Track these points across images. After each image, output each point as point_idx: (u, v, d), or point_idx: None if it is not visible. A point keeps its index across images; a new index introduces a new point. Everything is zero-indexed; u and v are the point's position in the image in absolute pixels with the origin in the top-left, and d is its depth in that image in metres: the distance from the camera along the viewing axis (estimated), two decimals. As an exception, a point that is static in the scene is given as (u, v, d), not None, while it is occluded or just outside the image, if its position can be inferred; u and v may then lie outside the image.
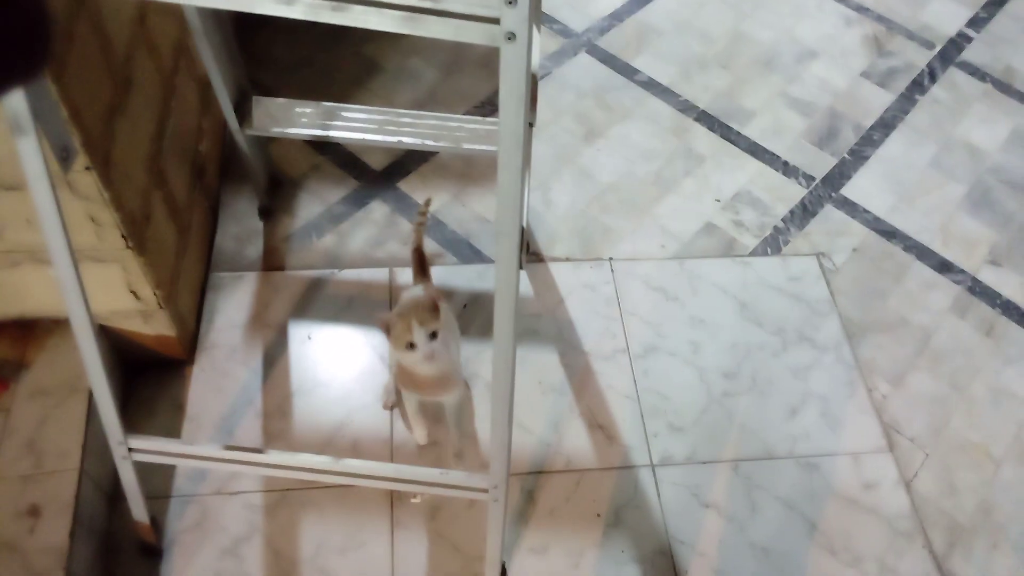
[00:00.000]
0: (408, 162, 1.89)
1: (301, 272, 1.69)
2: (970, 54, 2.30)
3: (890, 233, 1.88)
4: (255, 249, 1.71)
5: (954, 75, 2.24)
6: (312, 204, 1.80)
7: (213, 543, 1.36)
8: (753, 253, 1.82)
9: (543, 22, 2.24)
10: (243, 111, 1.55)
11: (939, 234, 1.89)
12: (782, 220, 1.88)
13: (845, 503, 1.48)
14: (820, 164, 2.00)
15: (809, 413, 1.58)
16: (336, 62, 2.07)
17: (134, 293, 1.33)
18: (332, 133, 1.57)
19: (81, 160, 1.08)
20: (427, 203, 1.58)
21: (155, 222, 1.35)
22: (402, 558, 1.37)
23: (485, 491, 1.13)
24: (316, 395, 1.53)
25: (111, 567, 1.32)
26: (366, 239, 1.75)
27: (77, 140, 1.06)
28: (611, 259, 1.77)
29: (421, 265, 1.53)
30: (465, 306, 1.66)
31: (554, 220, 1.83)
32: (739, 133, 2.05)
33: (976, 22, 2.39)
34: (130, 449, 1.17)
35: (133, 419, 1.46)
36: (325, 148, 1.89)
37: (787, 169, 1.98)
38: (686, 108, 2.08)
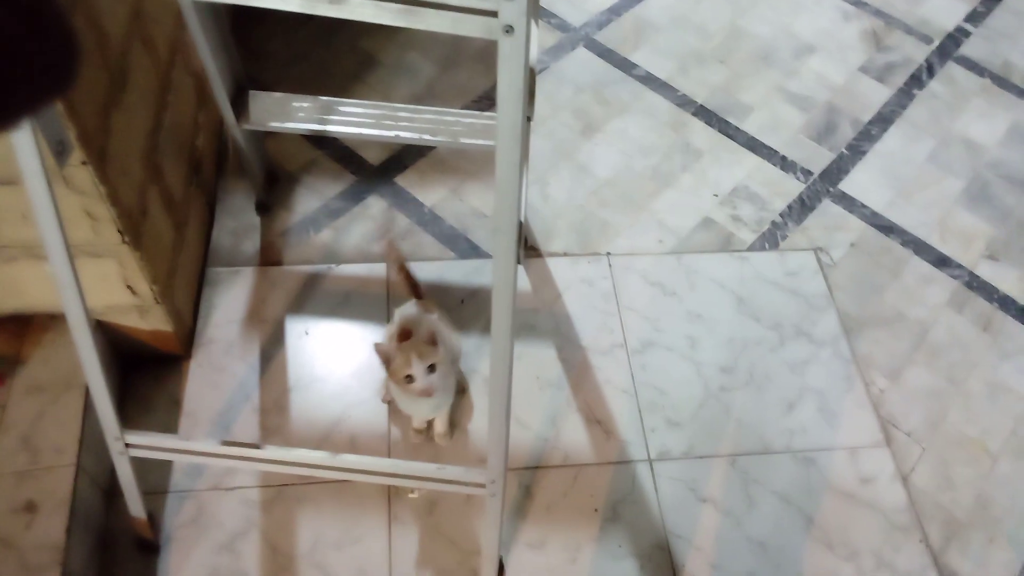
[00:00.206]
0: (406, 157, 1.89)
1: (298, 267, 1.68)
2: (968, 49, 2.30)
3: (888, 228, 1.88)
4: (252, 244, 1.71)
5: (952, 70, 2.24)
6: (309, 199, 1.80)
7: (210, 539, 1.36)
8: (751, 248, 1.82)
9: (541, 16, 2.23)
10: (240, 105, 1.54)
11: (937, 229, 1.89)
12: (780, 215, 1.88)
13: (842, 497, 1.48)
14: (818, 159, 2.00)
15: (806, 408, 1.58)
16: (333, 56, 2.06)
17: (130, 288, 1.33)
18: (329, 128, 1.56)
19: (77, 155, 1.08)
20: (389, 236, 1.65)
21: (151, 217, 1.35)
22: (399, 553, 1.37)
23: (482, 486, 1.13)
24: (313, 390, 1.53)
25: (108, 563, 1.32)
26: (363, 234, 1.75)
27: (72, 134, 1.05)
28: (609, 254, 1.77)
29: (410, 281, 1.54)
30: (463, 301, 1.66)
31: (552, 215, 1.83)
32: (737, 128, 2.04)
33: (974, 17, 2.38)
34: (127, 445, 1.17)
35: (130, 415, 1.45)
36: (322, 143, 1.89)
37: (785, 164, 1.98)
38: (684, 103, 2.08)
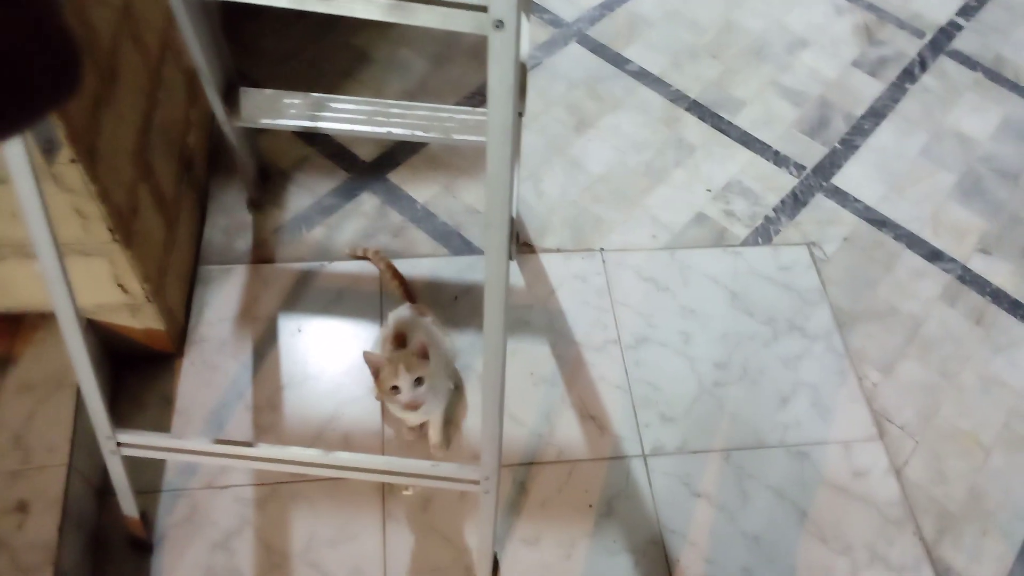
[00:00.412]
0: (398, 153, 1.88)
1: (291, 265, 1.68)
2: (960, 43, 2.30)
3: (880, 222, 1.88)
4: (244, 242, 1.70)
5: (944, 64, 2.24)
6: (302, 196, 1.79)
7: (204, 537, 1.35)
8: (744, 243, 1.82)
9: (533, 11, 2.23)
10: (231, 103, 1.54)
11: (929, 223, 1.90)
12: (773, 210, 1.88)
13: (836, 491, 1.49)
14: (811, 153, 2.00)
15: (800, 402, 1.59)
16: (325, 53, 2.06)
17: (121, 287, 1.32)
18: (321, 124, 1.55)
19: (66, 152, 1.07)
20: (362, 249, 1.67)
21: (142, 215, 1.34)
22: (394, 550, 1.37)
23: (476, 483, 1.13)
24: (306, 388, 1.52)
25: (101, 562, 1.31)
26: (356, 231, 1.74)
27: (61, 132, 1.04)
28: (602, 250, 1.77)
29: (400, 283, 1.54)
30: (456, 298, 1.66)
31: (545, 211, 1.83)
32: (730, 123, 2.04)
33: (966, 11, 2.39)
34: (119, 443, 1.17)
35: (122, 413, 1.45)
36: (314, 140, 1.88)
37: (778, 159, 1.98)
38: (677, 98, 2.08)
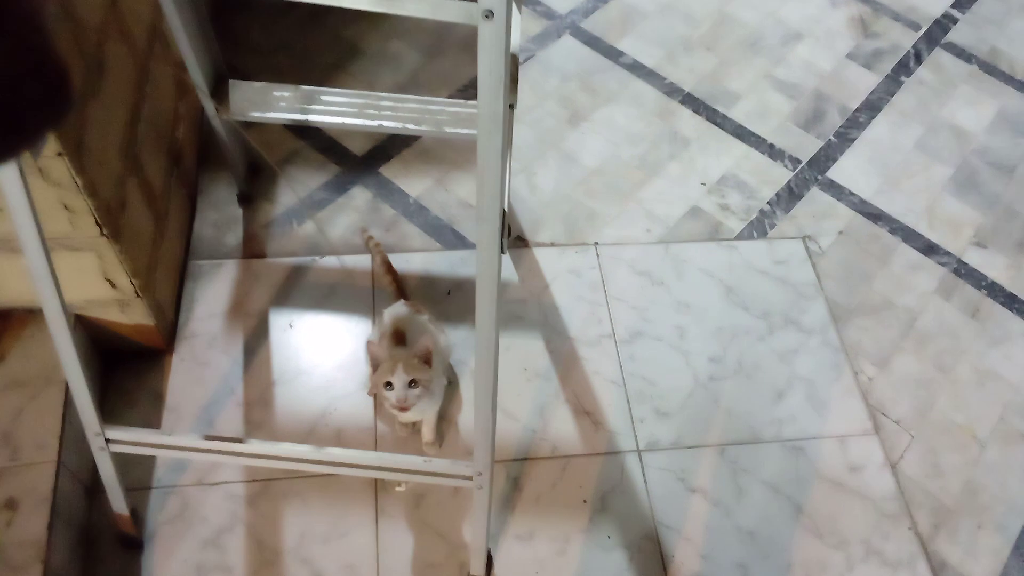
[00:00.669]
0: (390, 147, 1.87)
1: (282, 259, 1.66)
2: (956, 35, 2.29)
3: (876, 215, 1.88)
4: (234, 236, 1.69)
5: (940, 56, 2.23)
6: (292, 190, 1.78)
7: (195, 534, 1.34)
8: (739, 237, 1.81)
9: (526, 3, 2.21)
10: (220, 96, 1.52)
11: (925, 216, 1.89)
12: (768, 203, 1.87)
13: (831, 486, 1.48)
14: (806, 147, 1.99)
15: (795, 397, 1.58)
16: (316, 46, 2.04)
17: (110, 282, 1.31)
18: (312, 117, 1.54)
19: (52, 146, 1.06)
20: (366, 234, 1.65)
21: (131, 209, 1.32)
22: (387, 547, 1.36)
23: (469, 478, 1.12)
24: (298, 384, 1.51)
25: (90, 560, 1.30)
26: (348, 225, 1.73)
27: (47, 125, 1.03)
28: (596, 244, 1.76)
29: (394, 279, 1.53)
30: (449, 292, 1.65)
31: (539, 205, 1.81)
32: (724, 116, 2.03)
33: (961, 3, 2.38)
34: (108, 440, 1.16)
35: (112, 409, 1.44)
36: (305, 133, 1.87)
37: (773, 152, 1.97)
38: (671, 91, 2.07)
